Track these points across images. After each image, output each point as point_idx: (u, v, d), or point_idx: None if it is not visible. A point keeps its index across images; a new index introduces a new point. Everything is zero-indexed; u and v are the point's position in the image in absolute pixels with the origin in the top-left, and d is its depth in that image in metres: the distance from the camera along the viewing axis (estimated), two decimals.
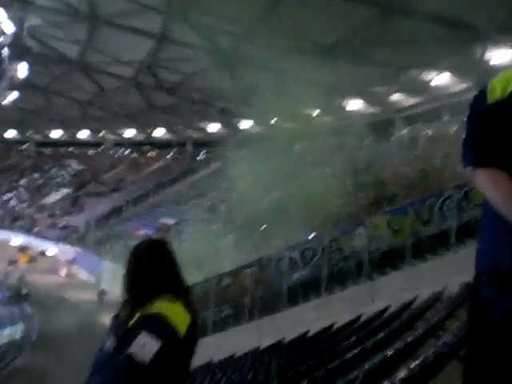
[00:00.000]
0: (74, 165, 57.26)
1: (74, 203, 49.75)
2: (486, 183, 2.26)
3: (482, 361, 2.40)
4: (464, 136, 2.38)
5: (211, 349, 18.13)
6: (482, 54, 21.55)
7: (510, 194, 2.19)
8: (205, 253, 25.83)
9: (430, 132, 29.80)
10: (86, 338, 18.91)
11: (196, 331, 3.17)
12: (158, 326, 2.92)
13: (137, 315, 2.97)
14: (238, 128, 44.12)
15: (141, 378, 2.84)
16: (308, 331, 14.78)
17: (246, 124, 43.29)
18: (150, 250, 3.27)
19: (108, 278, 33.73)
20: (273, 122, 40.75)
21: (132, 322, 2.96)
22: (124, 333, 2.94)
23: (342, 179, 28.21)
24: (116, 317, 3.15)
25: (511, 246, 2.22)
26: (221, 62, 31.07)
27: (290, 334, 15.20)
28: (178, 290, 3.16)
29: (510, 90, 2.28)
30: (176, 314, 3.01)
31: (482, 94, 2.36)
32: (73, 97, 43.91)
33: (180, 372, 3.09)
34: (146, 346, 2.83)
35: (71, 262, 40.04)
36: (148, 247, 3.29)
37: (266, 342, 15.85)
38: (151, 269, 3.16)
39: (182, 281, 3.22)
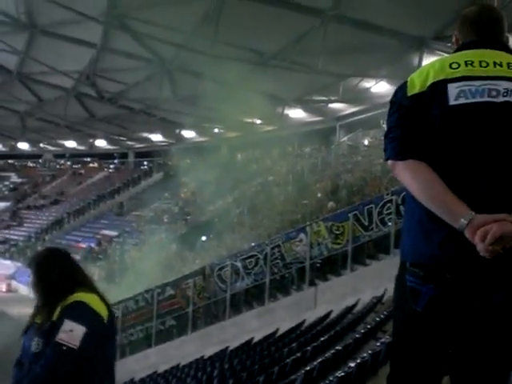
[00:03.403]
0: (14, 177, 56.09)
1: (13, 216, 48.63)
2: (406, 175, 2.32)
3: (406, 347, 2.45)
4: (386, 130, 2.43)
5: (156, 360, 17.99)
6: (419, 62, 21.99)
7: (428, 184, 2.24)
8: (147, 264, 25.59)
9: (369, 139, 30.30)
10: None
11: (115, 325, 3.32)
12: (80, 311, 3.06)
13: (58, 309, 3.08)
14: (180, 137, 43.93)
15: (71, 362, 2.94)
16: (252, 339, 14.78)
17: (188, 134, 43.15)
18: (54, 255, 3.42)
19: None
20: (216, 130, 40.77)
21: (55, 315, 3.06)
22: (49, 328, 3.03)
23: (284, 187, 28.40)
24: (31, 324, 3.25)
25: (432, 235, 2.27)
26: (162, 72, 30.91)
27: (234, 343, 15.17)
28: (90, 286, 3.31)
29: (428, 83, 2.35)
30: (95, 301, 3.16)
31: (402, 89, 2.42)
32: (11, 108, 42.99)
33: (107, 359, 3.21)
34: (72, 332, 2.94)
35: (11, 277, 39.07)
36: (51, 254, 3.45)
37: (210, 351, 15.80)
38: (62, 271, 3.28)
39: (91, 280, 3.40)
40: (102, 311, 3.15)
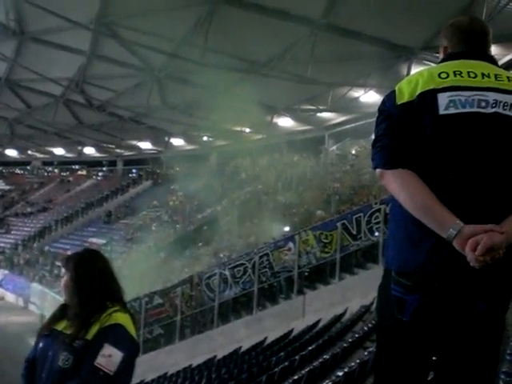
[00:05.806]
0: (1, 184, 55.81)
1: (0, 224, 48.34)
2: (394, 184, 2.31)
3: (391, 357, 2.44)
4: (374, 138, 2.42)
5: (144, 368, 17.85)
6: (408, 72, 22.11)
7: (416, 193, 2.24)
8: (135, 272, 25.45)
9: (358, 149, 30.38)
10: (14, 360, 18.27)
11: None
12: (120, 336, 2.99)
13: (95, 328, 2.98)
14: (169, 146, 43.88)
15: None
16: (240, 348, 14.73)
17: (177, 142, 43.12)
18: (97, 258, 3.25)
19: (36, 300, 32.91)
20: (205, 139, 40.77)
21: (91, 334, 2.97)
22: (83, 346, 2.95)
23: (273, 196, 28.40)
24: (51, 330, 3.12)
25: (420, 244, 2.27)
26: (151, 80, 30.87)
27: (223, 352, 15.11)
28: (123, 301, 3.20)
29: (418, 92, 2.35)
30: (130, 324, 3.07)
31: (390, 98, 2.42)
32: None
33: (130, 379, 3.14)
34: (111, 357, 2.90)
35: None
36: (93, 255, 3.28)
37: (198, 360, 15.71)
38: (103, 277, 3.17)
39: (123, 291, 3.27)
40: (134, 334, 3.08)
